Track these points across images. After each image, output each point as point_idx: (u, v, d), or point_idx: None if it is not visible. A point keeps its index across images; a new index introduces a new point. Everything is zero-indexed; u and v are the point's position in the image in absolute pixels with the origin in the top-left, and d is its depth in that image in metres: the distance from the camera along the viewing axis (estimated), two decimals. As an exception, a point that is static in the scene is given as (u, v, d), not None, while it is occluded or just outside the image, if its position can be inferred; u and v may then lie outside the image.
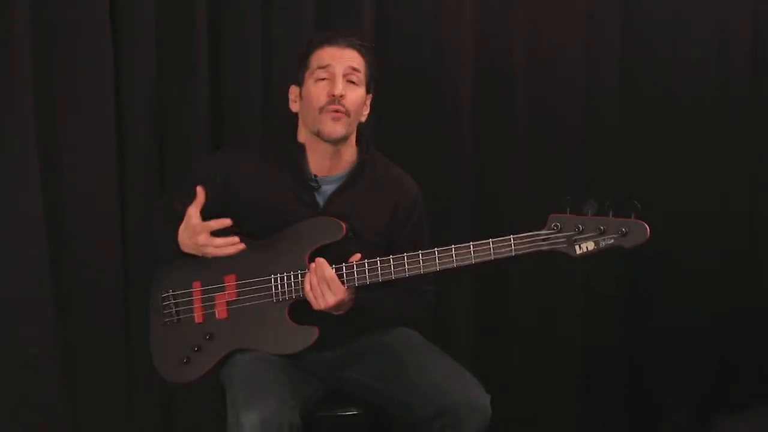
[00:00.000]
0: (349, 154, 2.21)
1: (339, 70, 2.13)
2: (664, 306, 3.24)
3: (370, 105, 2.25)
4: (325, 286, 2.03)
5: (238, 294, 2.15)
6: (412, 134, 2.82)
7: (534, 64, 3.01)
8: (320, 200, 2.18)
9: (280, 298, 2.12)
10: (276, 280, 2.12)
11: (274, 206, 2.17)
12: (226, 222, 2.07)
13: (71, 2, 2.43)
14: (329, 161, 2.18)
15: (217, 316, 2.16)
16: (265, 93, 2.66)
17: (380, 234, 2.20)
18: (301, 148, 2.19)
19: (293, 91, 2.22)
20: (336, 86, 2.12)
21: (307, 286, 2.05)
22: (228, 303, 2.16)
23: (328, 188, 2.19)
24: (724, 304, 3.29)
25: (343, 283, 2.04)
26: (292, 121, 2.24)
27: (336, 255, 2.07)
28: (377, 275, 2.04)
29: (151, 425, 2.64)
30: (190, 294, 2.18)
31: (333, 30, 2.37)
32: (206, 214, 2.10)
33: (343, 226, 2.10)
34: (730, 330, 3.31)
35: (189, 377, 2.18)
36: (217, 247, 2.07)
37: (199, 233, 2.07)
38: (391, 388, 2.15)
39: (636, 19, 3.14)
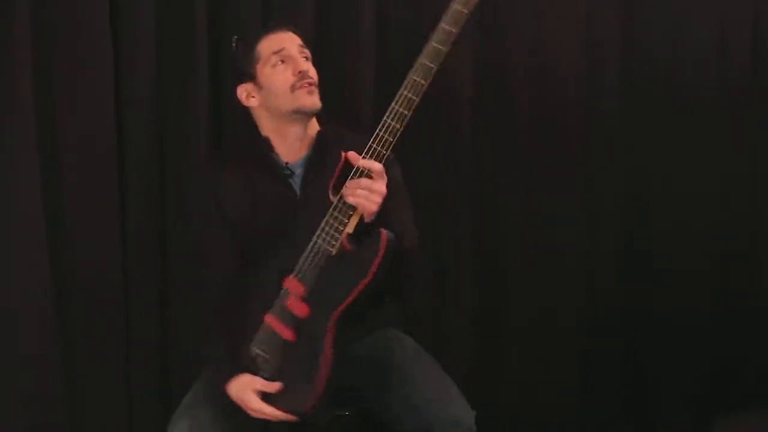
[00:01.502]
0: (313, 130, 2.21)
1: (294, 50, 2.16)
2: (663, 306, 3.24)
3: None
4: (364, 180, 1.93)
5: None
6: (412, 134, 2.81)
7: (534, 64, 3.01)
8: (296, 187, 2.17)
9: (333, 243, 1.97)
10: (318, 237, 1.99)
11: (257, 205, 2.15)
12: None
13: (71, 2, 2.42)
14: (299, 142, 2.18)
15: (299, 317, 2.02)
16: (265, 93, 2.66)
17: None
18: (267, 142, 2.19)
19: (244, 89, 2.19)
20: (299, 63, 2.14)
21: (352, 198, 1.92)
22: (301, 298, 2.02)
23: (300, 172, 2.18)
24: (724, 304, 3.29)
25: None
26: (249, 119, 2.23)
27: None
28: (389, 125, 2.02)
29: (152, 425, 2.63)
30: (273, 328, 2.03)
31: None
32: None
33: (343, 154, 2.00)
34: (730, 330, 3.32)
35: (317, 384, 1.99)
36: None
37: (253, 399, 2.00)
38: (380, 398, 2.12)
39: (636, 19, 3.14)
